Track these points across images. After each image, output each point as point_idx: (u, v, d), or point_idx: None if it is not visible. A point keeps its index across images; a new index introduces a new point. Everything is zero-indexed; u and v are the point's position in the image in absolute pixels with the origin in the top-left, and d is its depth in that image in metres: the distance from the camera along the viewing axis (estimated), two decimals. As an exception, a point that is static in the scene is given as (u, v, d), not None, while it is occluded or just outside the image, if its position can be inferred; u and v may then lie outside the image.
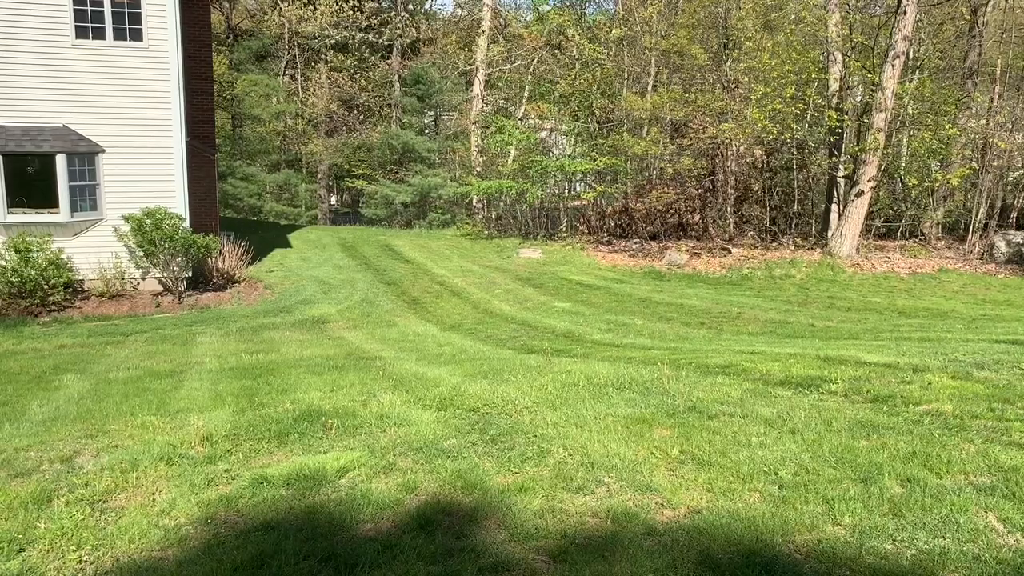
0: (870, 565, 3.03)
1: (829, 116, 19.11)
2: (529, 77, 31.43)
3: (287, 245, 21.97)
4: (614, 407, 5.35)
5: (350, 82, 35.60)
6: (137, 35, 14.08)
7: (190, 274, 14.89)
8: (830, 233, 19.56)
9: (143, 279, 14.72)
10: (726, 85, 22.49)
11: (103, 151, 14.11)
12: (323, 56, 35.75)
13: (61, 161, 13.62)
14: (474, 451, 4.48)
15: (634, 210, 23.26)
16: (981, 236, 19.85)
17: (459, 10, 41.37)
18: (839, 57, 20.00)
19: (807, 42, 20.47)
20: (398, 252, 21.46)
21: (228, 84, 33.93)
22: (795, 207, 22.74)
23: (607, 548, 3.20)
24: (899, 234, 21.36)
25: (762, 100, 19.06)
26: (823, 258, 18.45)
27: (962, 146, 20.06)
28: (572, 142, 27.25)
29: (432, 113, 35.50)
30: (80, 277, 14.09)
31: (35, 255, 13.19)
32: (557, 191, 26.46)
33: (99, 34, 13.86)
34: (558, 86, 26.72)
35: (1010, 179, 21.31)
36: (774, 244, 20.71)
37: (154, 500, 3.89)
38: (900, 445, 4.27)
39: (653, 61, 24.76)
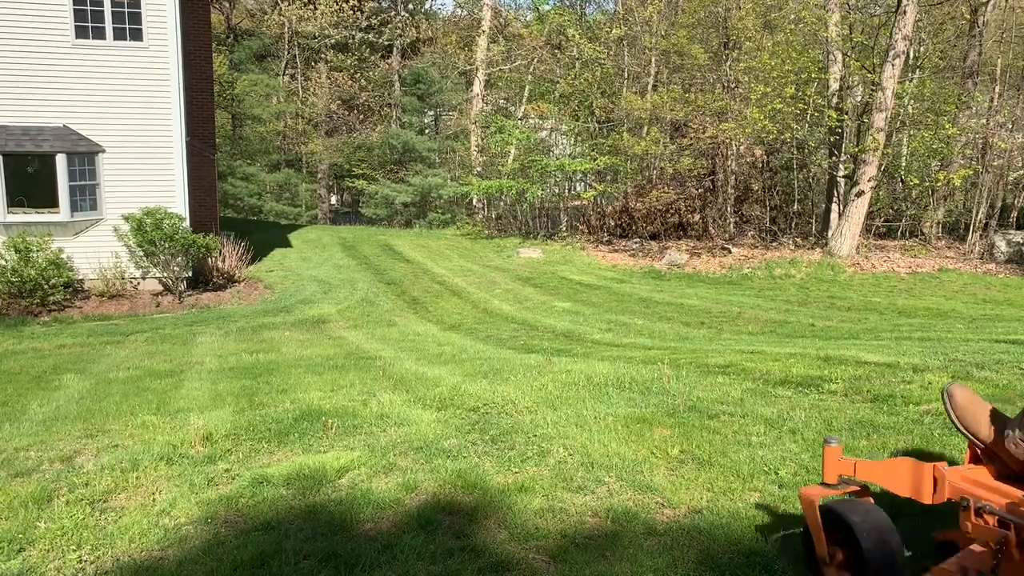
0: (870, 565, 3.02)
1: (829, 116, 19.11)
2: (529, 77, 31.42)
3: (287, 245, 21.97)
4: (614, 407, 5.35)
5: (350, 82, 35.61)
6: (137, 35, 14.08)
7: (190, 274, 14.90)
8: (830, 233, 19.56)
9: (143, 279, 14.72)
10: (726, 85, 22.48)
11: (103, 151, 14.12)
12: (323, 56, 35.76)
13: (61, 161, 13.62)
14: (474, 451, 4.48)
15: (634, 210, 23.26)
16: (981, 236, 19.85)
17: (459, 10, 41.41)
18: (839, 57, 20.00)
19: (807, 42, 20.47)
20: (398, 252, 21.46)
21: (228, 84, 33.92)
22: (795, 207, 22.74)
23: (607, 548, 3.20)
24: (899, 234, 21.36)
25: (762, 100, 19.06)
26: (823, 258, 18.45)
27: (962, 146, 20.06)
28: (572, 142, 27.25)
29: (432, 113, 35.50)
30: (80, 277, 14.09)
31: (35, 255, 13.20)
32: (557, 191, 26.46)
33: (99, 34, 13.86)
34: (558, 86, 26.72)
35: (1010, 179, 21.31)
36: (774, 244, 20.71)
37: (154, 500, 3.89)
38: (900, 445, 4.27)
39: (653, 61, 24.76)
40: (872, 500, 2.91)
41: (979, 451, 2.77)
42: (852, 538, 2.69)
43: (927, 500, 2.69)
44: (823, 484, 2.97)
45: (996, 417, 2.74)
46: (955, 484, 2.62)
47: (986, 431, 2.72)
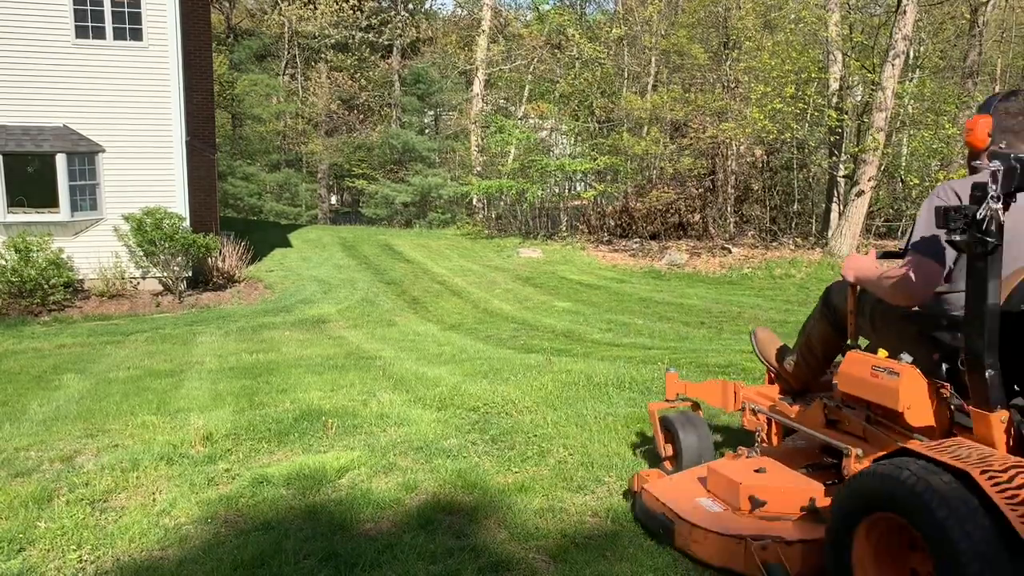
0: (870, 564, 3.03)
1: (829, 116, 19.12)
2: (529, 77, 31.42)
3: (287, 245, 21.98)
4: (614, 406, 5.36)
5: (350, 82, 35.62)
6: (137, 35, 14.08)
7: (190, 274, 14.90)
8: (830, 233, 19.57)
9: (143, 279, 14.72)
10: (726, 85, 22.49)
11: (103, 151, 14.12)
12: (323, 56, 35.76)
13: (61, 161, 13.62)
14: (474, 451, 4.48)
15: (634, 210, 23.26)
16: (981, 236, 19.84)
17: (459, 10, 41.38)
18: (839, 57, 20.00)
19: (807, 42, 20.47)
20: (398, 252, 21.46)
21: (228, 84, 33.92)
22: (795, 207, 22.74)
23: (607, 548, 3.20)
24: (899, 234, 21.36)
25: (762, 100, 19.06)
26: (823, 258, 18.45)
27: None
28: (572, 142, 27.25)
29: (432, 113, 35.50)
30: (80, 277, 14.09)
31: (35, 255, 13.20)
32: (557, 191, 26.46)
33: (99, 34, 13.87)
34: (558, 86, 26.72)
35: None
36: (774, 244, 20.72)
37: (154, 499, 3.89)
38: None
39: (653, 61, 24.77)
40: (701, 413, 3.97)
41: (773, 375, 3.71)
42: (676, 436, 3.73)
43: (730, 408, 3.80)
44: (665, 400, 4.03)
45: (782, 349, 3.70)
46: (746, 395, 3.67)
47: (775, 360, 3.66)
